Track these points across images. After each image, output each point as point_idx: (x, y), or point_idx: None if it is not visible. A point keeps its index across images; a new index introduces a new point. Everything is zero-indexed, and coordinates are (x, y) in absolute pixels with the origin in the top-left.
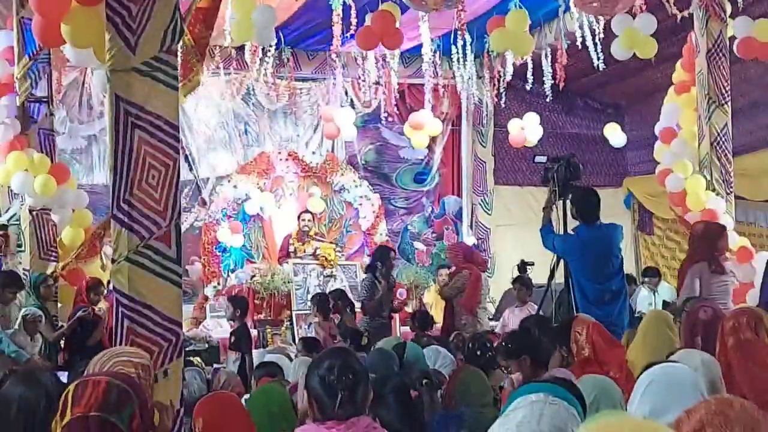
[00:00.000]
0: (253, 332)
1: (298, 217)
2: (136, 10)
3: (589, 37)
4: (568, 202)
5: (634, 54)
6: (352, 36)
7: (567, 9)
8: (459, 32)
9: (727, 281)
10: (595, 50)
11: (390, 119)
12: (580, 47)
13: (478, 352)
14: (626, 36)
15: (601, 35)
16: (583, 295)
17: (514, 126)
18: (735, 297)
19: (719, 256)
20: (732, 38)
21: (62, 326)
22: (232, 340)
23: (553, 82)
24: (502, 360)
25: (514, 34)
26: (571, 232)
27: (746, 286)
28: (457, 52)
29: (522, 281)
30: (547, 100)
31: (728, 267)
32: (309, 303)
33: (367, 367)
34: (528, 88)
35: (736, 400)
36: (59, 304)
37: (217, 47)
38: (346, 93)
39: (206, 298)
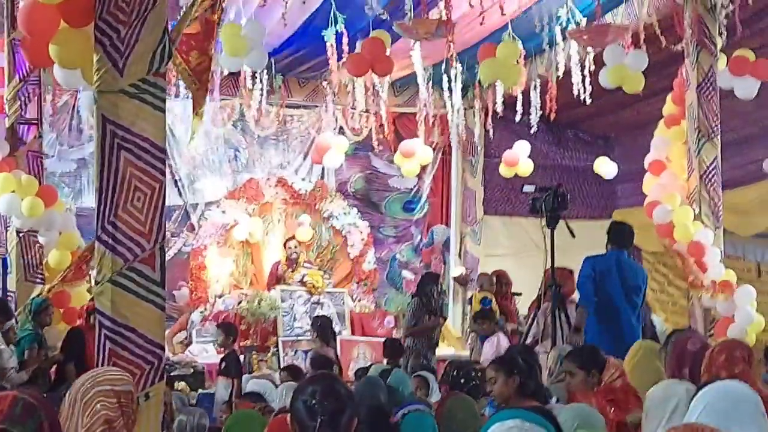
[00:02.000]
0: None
1: (284, 244)
2: (124, 32)
3: (577, 70)
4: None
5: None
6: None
7: (557, 41)
8: (449, 62)
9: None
10: (583, 83)
11: (380, 148)
12: (570, 79)
13: (462, 380)
14: (615, 71)
15: (592, 67)
16: None
17: (506, 155)
18: (717, 330)
19: (567, 297)
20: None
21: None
22: (223, 366)
23: (542, 113)
24: (491, 370)
25: (504, 65)
26: None
27: (728, 320)
28: (448, 82)
29: (481, 316)
30: (535, 131)
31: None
32: (298, 329)
33: (352, 394)
34: (518, 119)
35: (706, 427)
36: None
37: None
38: (336, 120)
39: (187, 322)
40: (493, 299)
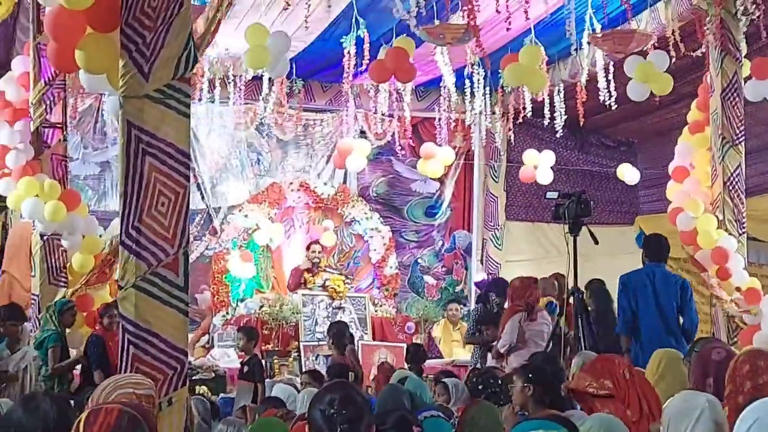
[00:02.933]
0: None
1: (307, 248)
2: (150, 37)
3: (601, 76)
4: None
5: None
6: (366, 69)
7: (581, 46)
8: (473, 66)
9: (542, 328)
10: (607, 89)
11: (403, 152)
12: (594, 84)
13: (480, 387)
14: (641, 70)
15: (615, 73)
16: None
17: (528, 159)
18: (742, 339)
19: (534, 305)
20: (748, 78)
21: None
22: (245, 370)
23: (566, 118)
24: (514, 377)
25: (527, 70)
26: None
27: (754, 328)
28: (471, 87)
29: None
30: (559, 136)
31: (543, 315)
32: (319, 334)
33: (369, 401)
34: (541, 123)
35: None
36: (67, 330)
37: (233, 77)
38: (359, 125)
39: (209, 326)
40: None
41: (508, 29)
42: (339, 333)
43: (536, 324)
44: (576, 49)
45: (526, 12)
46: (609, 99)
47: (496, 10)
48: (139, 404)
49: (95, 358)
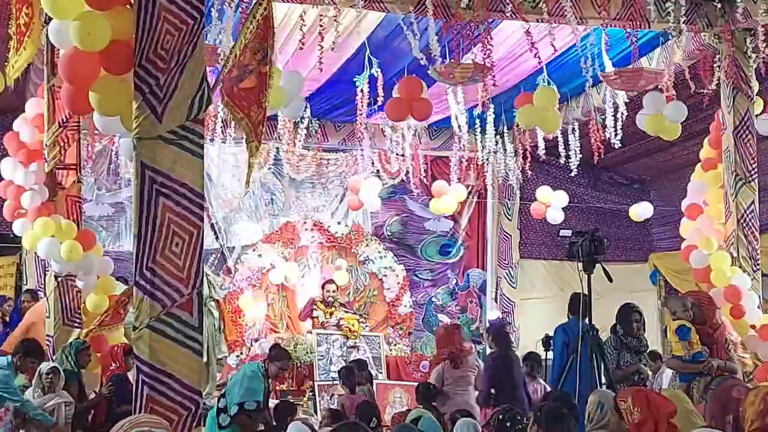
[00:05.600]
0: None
1: (322, 287)
2: (163, 79)
3: (610, 114)
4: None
5: None
6: (380, 108)
7: (594, 84)
8: (485, 105)
9: (467, 373)
10: (614, 127)
11: (416, 191)
12: (606, 122)
13: (508, 424)
14: (653, 121)
15: (625, 111)
16: None
17: (541, 196)
18: (757, 376)
19: (458, 353)
20: (759, 114)
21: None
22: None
23: (580, 156)
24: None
25: (542, 111)
26: None
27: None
28: (483, 126)
29: (531, 358)
30: (572, 174)
31: (471, 360)
32: (333, 373)
33: None
34: (554, 161)
35: None
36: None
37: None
38: (373, 164)
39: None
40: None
41: (537, 57)
42: (348, 372)
43: (460, 371)
44: (589, 87)
45: (537, 56)
46: (618, 137)
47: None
48: None
49: (122, 394)
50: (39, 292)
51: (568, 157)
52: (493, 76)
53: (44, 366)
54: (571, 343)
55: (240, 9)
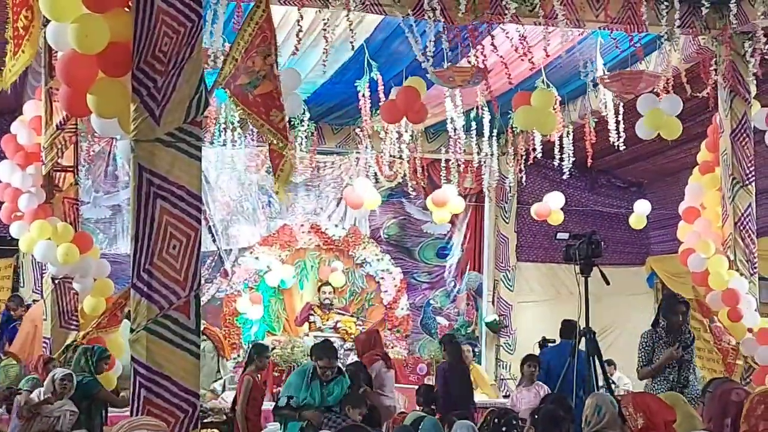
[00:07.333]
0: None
1: (319, 289)
2: (161, 81)
3: (611, 116)
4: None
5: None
6: (377, 110)
7: (592, 87)
8: (482, 108)
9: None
10: (617, 130)
11: (414, 193)
12: (604, 125)
13: (504, 428)
14: (651, 117)
15: (624, 113)
16: None
17: (539, 204)
18: (756, 379)
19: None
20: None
21: None
22: None
23: (575, 159)
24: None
25: (539, 113)
26: None
27: (766, 368)
28: (479, 128)
29: (532, 360)
30: (569, 177)
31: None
32: None
33: None
34: (552, 164)
35: None
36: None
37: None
38: (369, 167)
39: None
40: None
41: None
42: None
43: (390, 372)
44: (587, 90)
45: (531, 61)
46: (618, 140)
47: (515, 50)
48: None
49: None
50: (24, 298)
51: (561, 159)
52: (487, 80)
53: (59, 372)
54: (553, 370)
55: (235, 12)
